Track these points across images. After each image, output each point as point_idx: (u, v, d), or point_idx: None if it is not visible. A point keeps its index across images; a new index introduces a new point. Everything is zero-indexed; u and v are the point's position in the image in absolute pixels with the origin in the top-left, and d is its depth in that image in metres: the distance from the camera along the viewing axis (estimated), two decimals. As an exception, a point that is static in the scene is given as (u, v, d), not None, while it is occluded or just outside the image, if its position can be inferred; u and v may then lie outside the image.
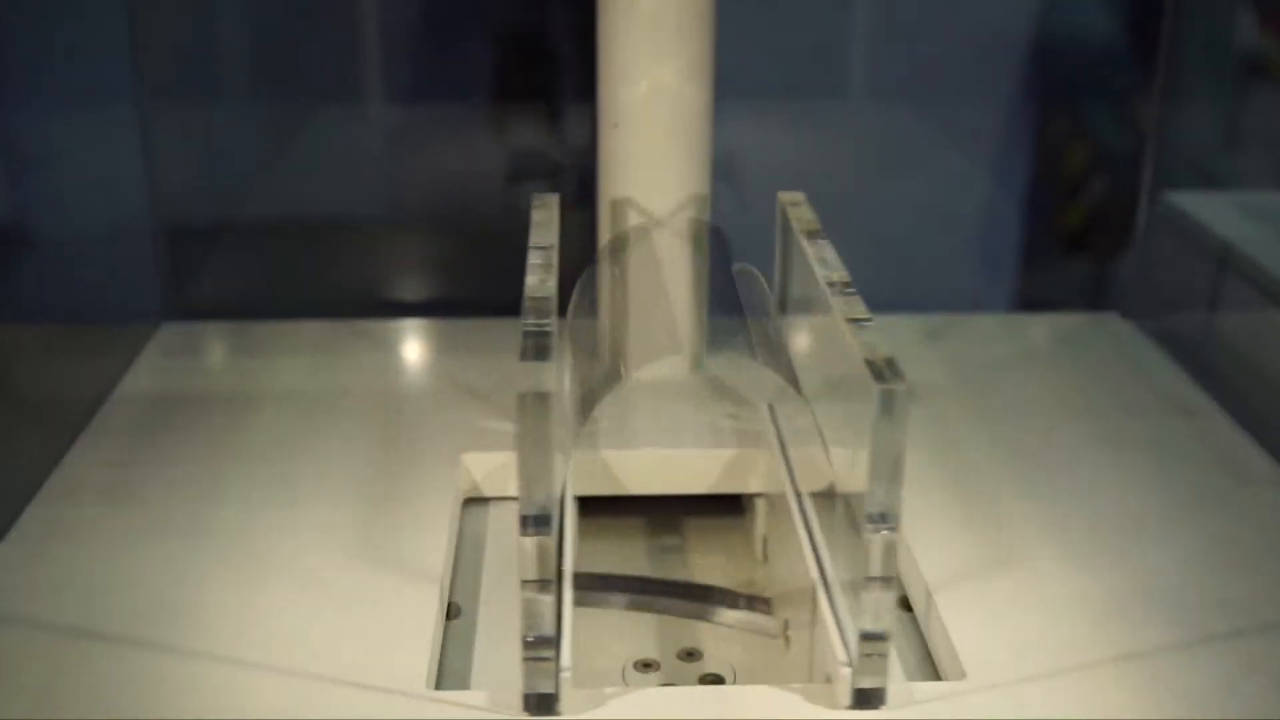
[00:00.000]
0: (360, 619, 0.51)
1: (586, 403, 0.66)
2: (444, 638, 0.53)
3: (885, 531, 0.43)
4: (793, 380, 0.52)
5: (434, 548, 0.56)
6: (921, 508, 0.59)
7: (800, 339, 0.59)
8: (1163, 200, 0.80)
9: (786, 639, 0.56)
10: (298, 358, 0.75)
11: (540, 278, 0.51)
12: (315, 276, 0.83)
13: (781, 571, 0.58)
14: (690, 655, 0.57)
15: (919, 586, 0.55)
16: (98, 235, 0.74)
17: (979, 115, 0.83)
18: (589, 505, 0.64)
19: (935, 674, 0.51)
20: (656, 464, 0.64)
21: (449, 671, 0.52)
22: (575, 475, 0.62)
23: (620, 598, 0.61)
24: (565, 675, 0.45)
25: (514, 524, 0.61)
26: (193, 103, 0.80)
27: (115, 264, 0.76)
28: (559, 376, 0.45)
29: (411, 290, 0.84)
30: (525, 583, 0.44)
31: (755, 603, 0.60)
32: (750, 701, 0.47)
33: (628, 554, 0.64)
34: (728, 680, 0.56)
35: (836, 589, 0.49)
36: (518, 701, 0.45)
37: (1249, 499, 0.61)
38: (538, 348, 0.45)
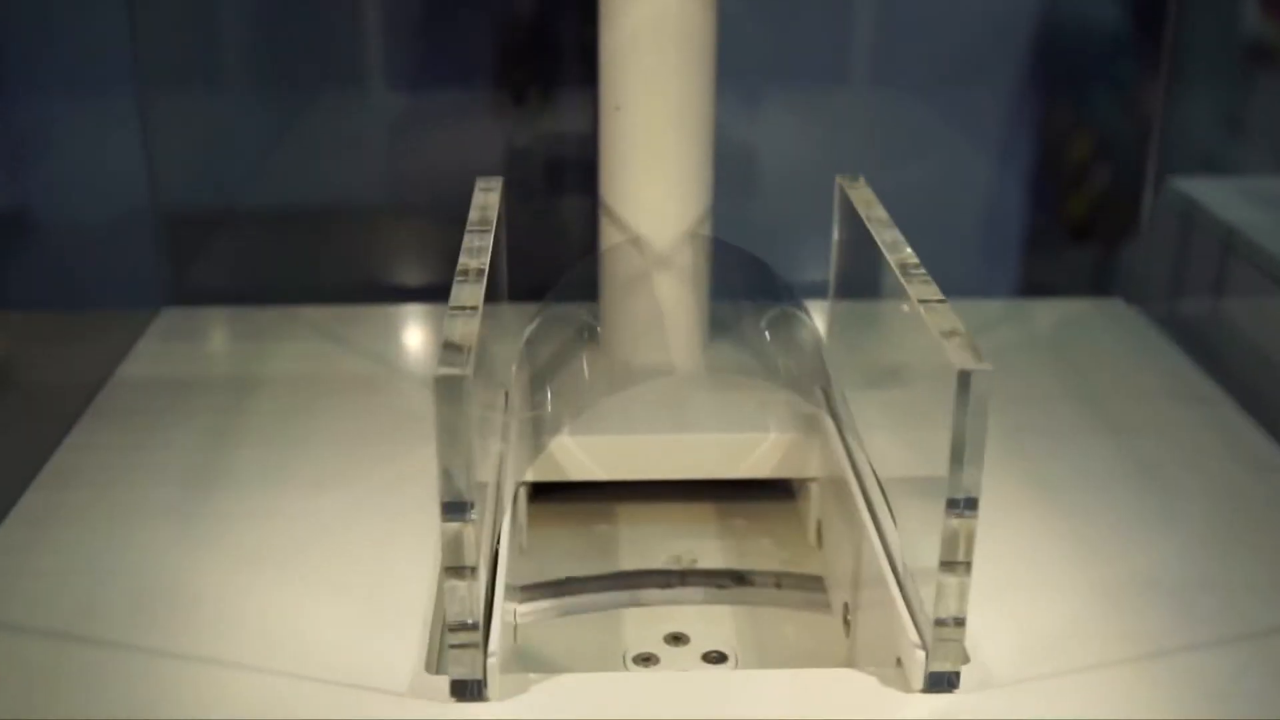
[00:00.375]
0: (357, 603, 0.51)
1: (585, 387, 0.66)
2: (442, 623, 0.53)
3: (966, 516, 0.43)
4: (821, 369, 0.52)
5: (431, 532, 0.56)
6: (923, 491, 0.59)
7: (865, 323, 0.59)
8: (1168, 186, 0.80)
9: (846, 622, 0.56)
10: (297, 343, 0.74)
11: (467, 260, 0.51)
12: (315, 262, 0.83)
13: (840, 555, 0.58)
14: (678, 639, 0.57)
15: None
16: (98, 221, 0.74)
17: (983, 102, 0.83)
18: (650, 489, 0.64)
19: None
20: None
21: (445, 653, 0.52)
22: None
23: (605, 597, 0.61)
24: (492, 661, 0.45)
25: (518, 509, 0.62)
26: (193, 89, 0.80)
27: (115, 250, 0.76)
28: (479, 361, 0.44)
29: (411, 276, 0.84)
30: (446, 569, 0.43)
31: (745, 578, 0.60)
32: (822, 684, 0.47)
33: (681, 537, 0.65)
34: (730, 662, 0.56)
35: (905, 573, 0.48)
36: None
37: (1253, 483, 0.60)
38: (458, 332, 0.45)
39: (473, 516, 0.43)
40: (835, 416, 0.60)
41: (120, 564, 0.54)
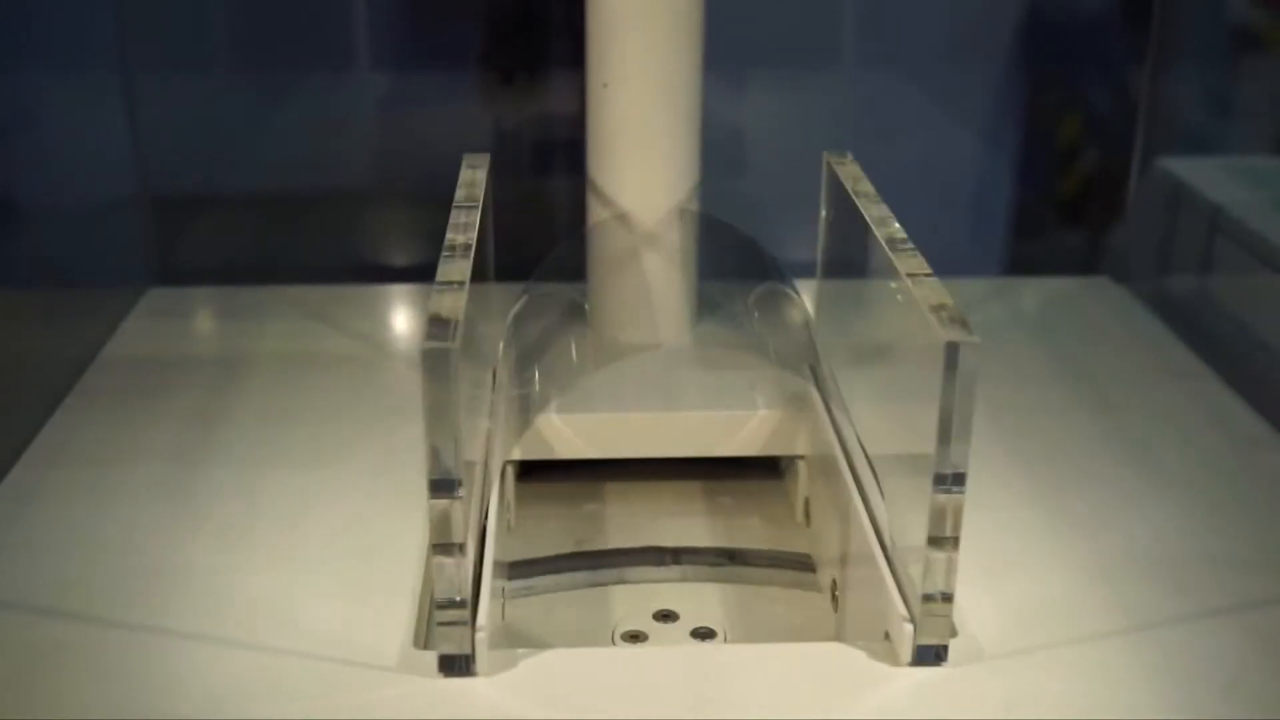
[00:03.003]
0: (345, 580, 0.51)
1: (573, 365, 0.66)
2: (428, 601, 0.53)
3: (954, 492, 0.43)
4: (809, 346, 0.52)
5: (418, 509, 0.56)
6: (911, 469, 0.59)
7: (853, 300, 0.59)
8: (1154, 165, 0.80)
9: (835, 599, 0.56)
10: (284, 323, 0.74)
11: (454, 236, 0.50)
12: (301, 242, 0.83)
13: (828, 533, 0.58)
14: (667, 617, 0.57)
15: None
16: (85, 200, 0.74)
17: (971, 82, 0.83)
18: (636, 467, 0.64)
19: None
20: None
21: (431, 631, 0.52)
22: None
23: (585, 575, 0.61)
24: (481, 636, 0.45)
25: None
26: (180, 69, 0.79)
27: (102, 229, 0.76)
28: (466, 337, 0.44)
29: (397, 256, 0.84)
30: (434, 546, 0.43)
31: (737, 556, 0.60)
32: (810, 658, 0.47)
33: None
34: (718, 639, 0.56)
35: (893, 548, 0.49)
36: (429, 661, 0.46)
37: (1240, 459, 0.61)
38: (445, 306, 0.44)
39: (460, 494, 0.43)
40: (823, 393, 0.60)
41: (107, 541, 0.54)
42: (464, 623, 0.44)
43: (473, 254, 0.49)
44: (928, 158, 0.84)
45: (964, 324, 0.43)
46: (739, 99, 0.80)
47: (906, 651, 0.46)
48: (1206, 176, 0.77)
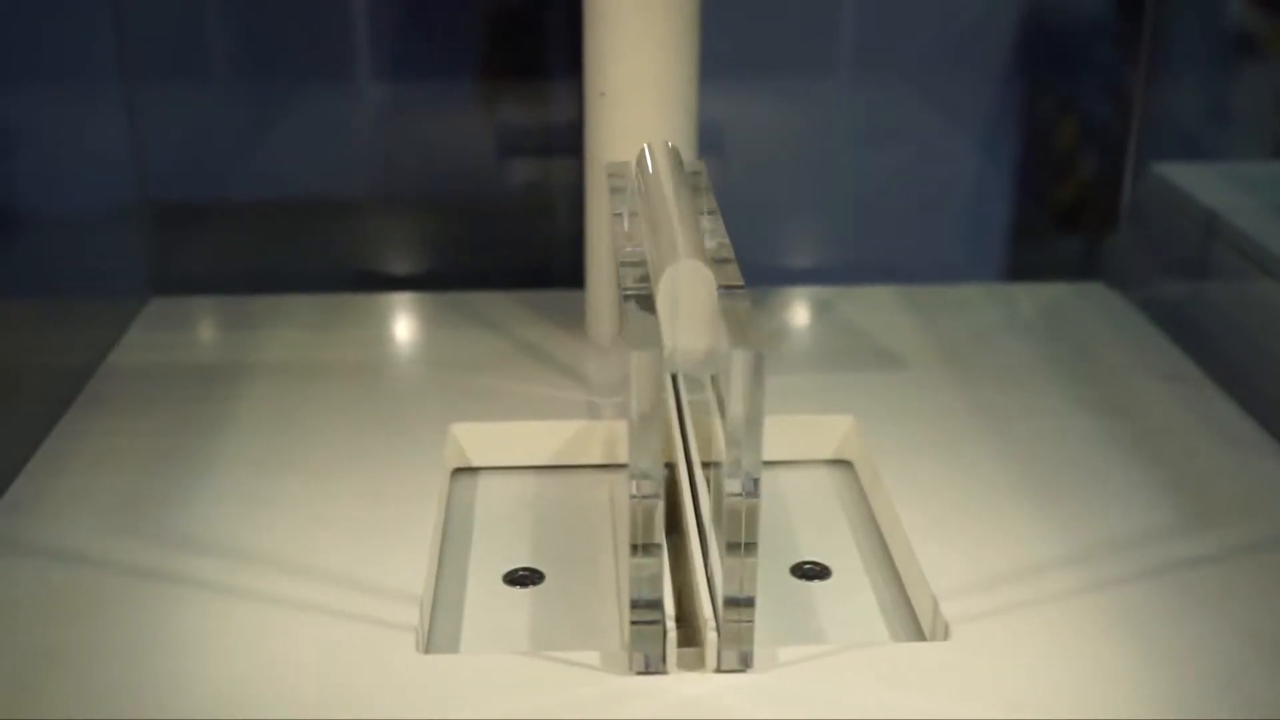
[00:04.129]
0: (350, 586, 0.51)
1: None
2: (432, 604, 0.54)
3: (747, 498, 0.44)
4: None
5: (423, 517, 0.56)
6: (908, 474, 0.59)
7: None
8: (1149, 171, 0.80)
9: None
10: (286, 331, 0.75)
11: (622, 243, 0.51)
12: (304, 252, 0.83)
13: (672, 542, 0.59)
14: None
15: (904, 548, 0.55)
16: (87, 210, 0.74)
17: (966, 89, 0.83)
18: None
19: (919, 632, 0.52)
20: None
21: (436, 636, 0.52)
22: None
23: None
24: (671, 636, 0.46)
25: (507, 493, 0.62)
26: (180, 78, 0.80)
27: (104, 239, 0.77)
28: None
29: (400, 265, 0.84)
30: (633, 547, 0.44)
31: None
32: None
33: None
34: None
35: (713, 556, 0.49)
36: (624, 661, 0.46)
37: (1234, 463, 0.61)
38: (644, 307, 0.45)
39: (658, 495, 0.44)
40: (678, 401, 0.61)
41: (111, 550, 0.54)
42: (657, 620, 0.45)
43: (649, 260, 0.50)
44: (925, 164, 0.84)
45: (755, 335, 0.43)
46: (736, 107, 0.81)
47: (712, 658, 0.46)
48: (1202, 182, 0.77)
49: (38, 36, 0.67)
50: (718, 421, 0.48)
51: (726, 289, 0.47)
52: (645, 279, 0.48)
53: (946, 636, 0.49)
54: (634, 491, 0.44)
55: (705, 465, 0.53)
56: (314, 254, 0.83)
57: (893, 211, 0.85)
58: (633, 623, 0.46)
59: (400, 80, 0.81)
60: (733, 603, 0.45)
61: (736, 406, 0.43)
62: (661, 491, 0.44)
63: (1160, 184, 0.79)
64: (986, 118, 0.84)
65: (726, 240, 0.51)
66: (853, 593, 0.55)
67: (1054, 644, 0.48)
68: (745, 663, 0.46)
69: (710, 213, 0.55)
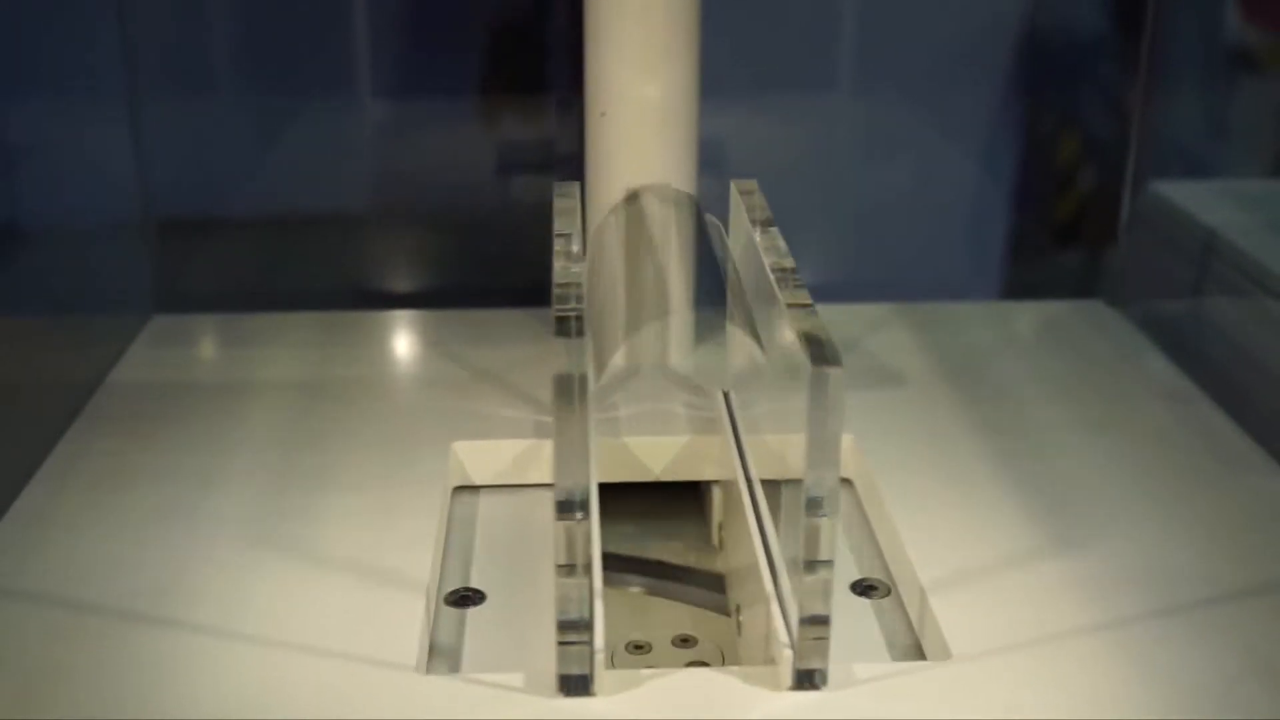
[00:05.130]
0: (351, 606, 0.52)
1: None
2: (434, 623, 0.54)
3: (824, 516, 0.44)
4: (755, 335, 0.52)
5: (424, 534, 0.57)
6: (908, 492, 0.60)
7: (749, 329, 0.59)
8: (1148, 189, 0.81)
9: (739, 623, 0.57)
10: (288, 349, 0.75)
11: (564, 263, 0.52)
12: (306, 269, 0.84)
13: (735, 558, 0.59)
14: (685, 641, 0.58)
15: (906, 568, 0.55)
16: (89, 227, 0.75)
17: (967, 105, 0.83)
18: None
19: (920, 653, 0.52)
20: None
21: (437, 655, 0.52)
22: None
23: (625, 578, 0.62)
24: (599, 657, 0.46)
25: (507, 510, 0.62)
26: (184, 95, 0.80)
27: (107, 256, 0.77)
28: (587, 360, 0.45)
29: (401, 281, 0.84)
30: (559, 567, 0.44)
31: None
32: (692, 683, 0.47)
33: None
34: (713, 664, 0.56)
35: (783, 573, 0.49)
36: (551, 683, 0.46)
37: (1233, 482, 0.61)
38: (571, 330, 0.45)
39: (581, 515, 0.44)
40: (732, 418, 0.61)
41: (114, 565, 0.54)
42: (585, 643, 0.45)
43: (584, 282, 0.50)
44: (925, 180, 0.84)
45: (833, 353, 0.43)
46: (735, 125, 0.81)
47: (787, 675, 0.46)
48: (1201, 199, 0.78)
49: (42, 51, 0.68)
50: (760, 439, 0.48)
51: (798, 307, 0.47)
52: (576, 300, 0.48)
53: (947, 657, 0.49)
54: (558, 513, 0.44)
55: (764, 483, 0.53)
56: (316, 271, 0.84)
57: (892, 228, 0.85)
58: (559, 643, 0.45)
59: (402, 97, 0.81)
60: (810, 620, 0.45)
61: (815, 424, 0.43)
62: (590, 512, 0.44)
63: (1159, 201, 0.80)
64: (986, 134, 0.84)
65: (790, 259, 0.51)
66: (852, 611, 0.55)
67: (1055, 664, 0.48)
68: (821, 681, 0.46)
69: (765, 225, 0.54)
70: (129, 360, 0.73)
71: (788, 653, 0.46)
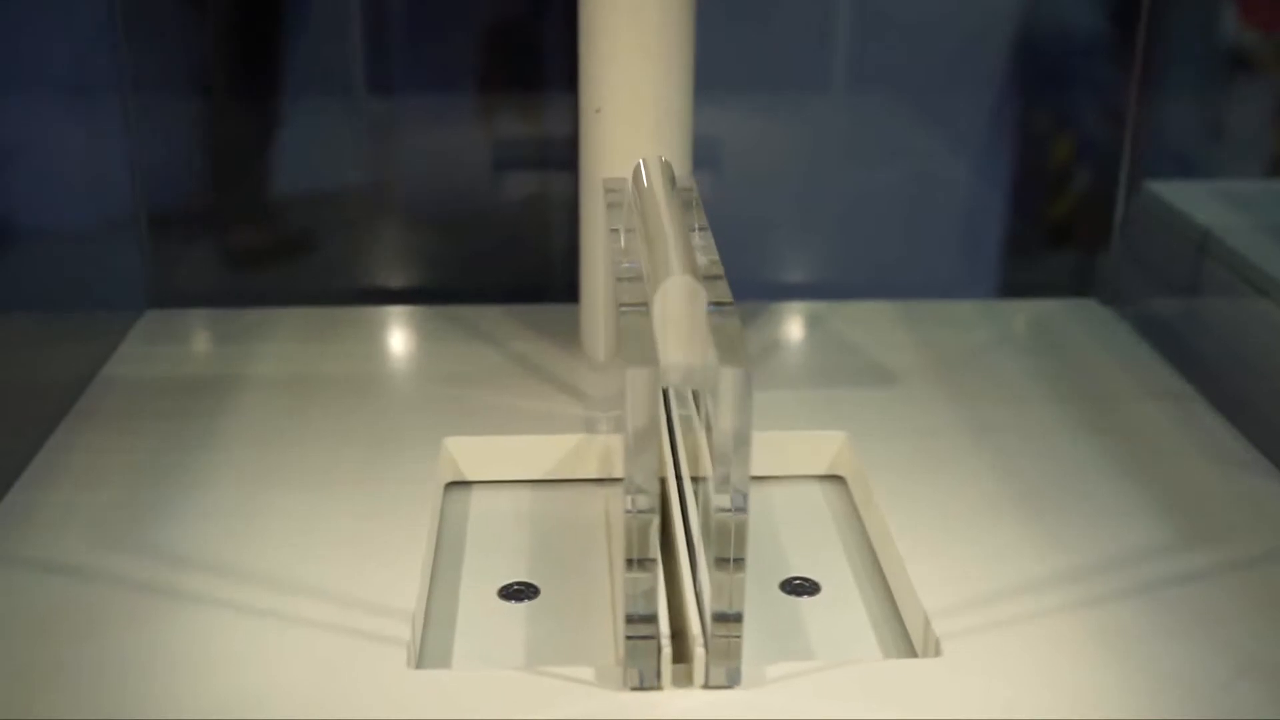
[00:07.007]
0: (342, 601, 0.52)
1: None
2: (425, 619, 0.54)
3: (736, 513, 0.44)
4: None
5: (416, 530, 0.56)
6: (900, 489, 0.60)
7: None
8: (1143, 189, 0.81)
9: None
10: (281, 344, 0.75)
11: (620, 258, 0.51)
12: (299, 265, 0.83)
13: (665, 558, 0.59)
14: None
15: (896, 563, 0.55)
16: (82, 223, 0.74)
17: (961, 105, 0.83)
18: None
19: (910, 649, 0.52)
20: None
21: (428, 651, 0.52)
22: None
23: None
24: (666, 652, 0.46)
25: (500, 507, 0.62)
26: (178, 92, 0.80)
27: (100, 251, 0.77)
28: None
29: (395, 278, 0.84)
30: (628, 562, 0.45)
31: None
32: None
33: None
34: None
35: (698, 572, 0.49)
36: (618, 676, 0.46)
37: (1224, 481, 0.61)
38: (640, 324, 0.45)
39: (653, 510, 0.44)
40: (668, 415, 0.61)
41: (103, 563, 0.54)
42: (652, 636, 0.46)
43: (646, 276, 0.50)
44: (919, 179, 0.84)
45: (741, 353, 0.43)
46: (730, 124, 0.81)
47: (700, 674, 0.46)
48: (1195, 200, 0.78)
49: (35, 50, 0.68)
50: (704, 437, 0.48)
51: (716, 305, 0.47)
52: (642, 294, 0.48)
53: (938, 653, 0.49)
54: (629, 506, 0.44)
55: (695, 480, 0.53)
56: (309, 267, 0.83)
57: (886, 226, 0.85)
58: (628, 638, 0.46)
59: (397, 94, 0.81)
60: (721, 618, 0.45)
61: (725, 423, 0.43)
62: (657, 506, 0.44)
63: (1154, 201, 0.80)
64: (982, 133, 0.84)
65: (716, 257, 0.52)
66: (844, 609, 0.55)
67: (1044, 661, 0.48)
68: (733, 679, 0.46)
69: (701, 229, 0.55)
70: (121, 355, 0.73)
71: (701, 651, 0.46)
